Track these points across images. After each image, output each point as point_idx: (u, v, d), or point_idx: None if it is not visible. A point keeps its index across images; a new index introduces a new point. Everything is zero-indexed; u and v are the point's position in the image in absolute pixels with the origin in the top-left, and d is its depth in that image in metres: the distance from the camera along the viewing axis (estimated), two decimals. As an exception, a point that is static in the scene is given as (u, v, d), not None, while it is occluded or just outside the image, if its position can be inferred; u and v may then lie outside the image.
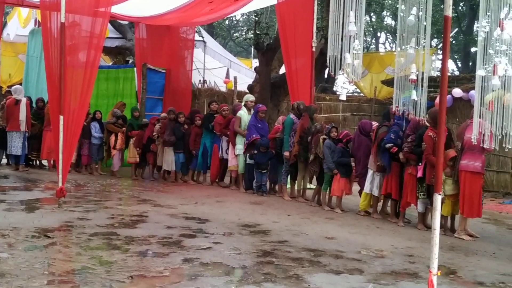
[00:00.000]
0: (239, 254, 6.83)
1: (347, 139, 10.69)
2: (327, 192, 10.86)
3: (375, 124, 10.59)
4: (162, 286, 5.44)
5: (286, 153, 11.54)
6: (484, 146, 7.97)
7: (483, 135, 7.04)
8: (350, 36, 8.48)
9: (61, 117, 9.45)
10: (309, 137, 11.11)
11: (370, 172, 10.18)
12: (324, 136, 10.83)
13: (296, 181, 11.92)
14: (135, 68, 17.07)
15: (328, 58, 9.08)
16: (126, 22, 19.87)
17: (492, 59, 6.25)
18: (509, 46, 6.38)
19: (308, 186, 12.20)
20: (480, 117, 6.44)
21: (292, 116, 11.80)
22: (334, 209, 10.59)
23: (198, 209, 9.96)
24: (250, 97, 13.15)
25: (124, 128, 14.21)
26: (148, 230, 7.98)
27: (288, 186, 12.19)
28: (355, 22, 8.25)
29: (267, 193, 12.10)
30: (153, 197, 11.10)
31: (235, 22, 45.33)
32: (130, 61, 20.85)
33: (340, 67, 8.85)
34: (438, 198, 4.79)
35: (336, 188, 10.59)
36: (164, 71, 16.60)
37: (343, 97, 11.06)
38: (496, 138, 6.64)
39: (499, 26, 5.87)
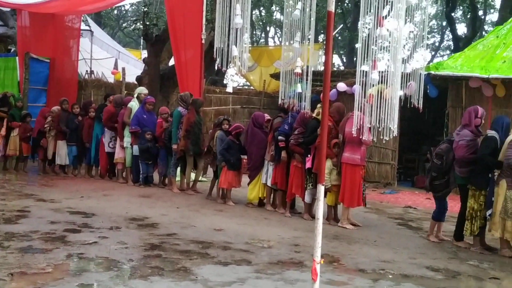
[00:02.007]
0: (126, 248, 6.71)
1: (237, 132, 10.72)
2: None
3: (267, 116, 10.73)
4: (44, 283, 5.23)
5: (174, 146, 11.46)
6: (363, 139, 8.28)
7: (362, 128, 7.31)
8: (236, 29, 8.53)
9: None
10: (196, 130, 11.08)
11: (265, 163, 10.31)
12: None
13: (186, 174, 11.86)
14: (17, 57, 16.34)
15: (215, 50, 9.09)
16: (8, 9, 18.91)
17: (375, 55, 6.49)
18: (390, 43, 6.66)
19: (201, 178, 12.20)
20: (360, 111, 6.67)
21: (180, 108, 11.71)
22: (226, 202, 10.64)
23: (84, 203, 9.68)
24: (143, 90, 12.93)
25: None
26: (30, 225, 7.65)
27: (178, 178, 12.12)
28: (241, 15, 8.30)
29: (152, 183, 12.00)
30: (36, 192, 10.67)
31: (124, 12, 44.42)
32: (12, 50, 19.90)
33: (227, 60, 8.89)
34: (321, 189, 4.91)
35: (223, 180, 10.63)
36: (48, 60, 16.02)
37: (229, 90, 11.13)
38: (375, 131, 6.90)
39: (378, 23, 6.09)
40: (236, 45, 8.65)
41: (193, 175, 12.04)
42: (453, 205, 9.00)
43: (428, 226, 8.92)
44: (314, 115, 9.48)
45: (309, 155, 9.37)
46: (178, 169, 12.03)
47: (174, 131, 11.51)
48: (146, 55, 17.88)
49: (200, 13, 12.83)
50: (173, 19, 13.53)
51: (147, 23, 16.59)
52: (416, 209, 11.99)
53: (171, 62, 17.31)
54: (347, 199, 9.03)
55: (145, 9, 17.19)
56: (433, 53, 44.80)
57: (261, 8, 39.21)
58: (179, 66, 13.59)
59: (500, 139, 7.79)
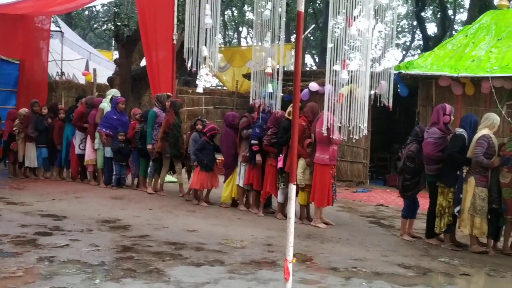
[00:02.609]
0: (97, 251, 6.66)
1: (211, 133, 10.67)
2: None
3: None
4: (15, 287, 5.18)
5: (149, 146, 11.36)
6: (332, 138, 8.34)
7: (332, 127, 7.36)
8: (206, 29, 8.51)
9: None
10: (178, 133, 11.02)
11: (239, 163, 10.30)
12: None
13: (160, 176, 11.77)
14: (-15, 59, 16.08)
15: (185, 50, 9.06)
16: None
17: (345, 55, 6.54)
18: (362, 42, 6.72)
19: (172, 179, 12.15)
20: (330, 110, 6.72)
21: (155, 109, 11.63)
22: (199, 203, 10.61)
23: (55, 206, 9.59)
24: (117, 93, 12.82)
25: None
26: (0, 229, 7.54)
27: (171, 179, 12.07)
28: (211, 15, 8.28)
29: (125, 184, 11.97)
30: (6, 195, 10.52)
31: (95, 12, 44.01)
32: (-19, 52, 19.58)
33: (198, 60, 8.87)
34: (292, 188, 4.94)
35: (195, 181, 10.59)
36: (17, 62, 15.80)
37: (200, 90, 11.09)
38: (345, 130, 6.96)
39: (348, 23, 6.15)
40: (206, 46, 8.63)
41: (170, 177, 12.01)
42: (425, 202, 9.10)
43: (400, 224, 9.01)
44: (286, 114, 9.51)
45: (280, 155, 9.40)
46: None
47: (149, 132, 11.40)
48: (117, 56, 17.74)
49: (172, 13, 12.78)
50: (144, 19, 13.46)
51: (118, 23, 16.47)
52: (388, 207, 12.09)
53: (143, 62, 17.17)
54: (317, 199, 9.11)
55: (116, 9, 17.06)
56: (404, 52, 45.22)
57: (233, 9, 39.22)
58: (150, 67, 13.51)
59: (468, 137, 7.92)
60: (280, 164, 9.40)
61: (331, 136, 8.03)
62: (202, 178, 10.51)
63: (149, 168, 11.79)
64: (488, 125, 7.83)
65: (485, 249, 7.90)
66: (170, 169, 11.68)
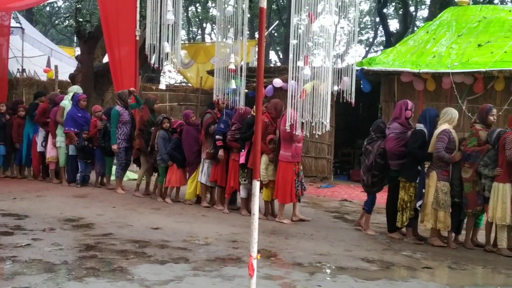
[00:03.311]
0: (60, 250, 6.58)
1: (182, 129, 10.61)
2: (163, 184, 10.75)
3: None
4: (-25, 288, 5.09)
5: (114, 146, 11.15)
6: (294, 135, 8.39)
7: (295, 124, 7.39)
8: (168, 25, 8.44)
9: None
10: (149, 130, 10.91)
11: (202, 160, 10.26)
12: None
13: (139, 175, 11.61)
14: None
15: (146, 46, 8.99)
16: None
17: (310, 51, 6.57)
18: (326, 39, 6.76)
19: (132, 177, 12.04)
20: (293, 107, 6.74)
21: (118, 107, 11.42)
22: (165, 200, 10.56)
23: (16, 205, 9.43)
24: (78, 89, 12.62)
25: None
26: (-41, 229, 7.42)
27: (113, 178, 11.91)
28: (173, 11, 8.21)
29: (88, 182, 11.88)
30: (-35, 195, 10.33)
31: (57, 8, 43.31)
32: None
33: (160, 56, 8.80)
34: (256, 184, 4.93)
35: (172, 179, 10.53)
36: (-24, 59, 15.44)
37: (162, 86, 11.02)
38: (309, 126, 6.99)
39: (309, 19, 6.17)
40: (168, 42, 8.56)
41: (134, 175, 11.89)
42: (383, 196, 9.21)
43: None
44: (252, 111, 9.52)
45: (243, 150, 9.42)
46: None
47: (113, 131, 11.17)
48: (79, 53, 17.50)
49: (134, 9, 12.65)
50: (106, 15, 13.31)
51: (80, 20, 16.22)
52: (352, 202, 12.21)
53: (105, 59, 17.01)
54: (280, 195, 9.18)
55: (78, 5, 16.80)
56: (367, 48, 45.66)
57: (197, 5, 38.99)
58: (113, 63, 13.37)
59: (428, 131, 8.04)
60: (242, 160, 9.42)
61: (293, 133, 8.06)
62: (179, 176, 10.49)
63: (116, 168, 11.62)
64: (447, 120, 7.97)
65: (445, 242, 8.05)
66: (138, 166, 11.55)
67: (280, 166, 9.14)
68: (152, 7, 8.85)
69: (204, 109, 10.48)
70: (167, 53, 8.61)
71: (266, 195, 9.45)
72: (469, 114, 12.91)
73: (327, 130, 7.06)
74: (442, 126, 7.87)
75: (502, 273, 6.80)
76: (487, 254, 7.70)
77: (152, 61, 9.16)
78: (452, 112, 8.08)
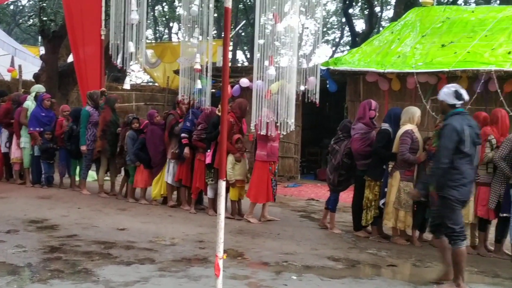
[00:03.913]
0: (24, 252, 6.49)
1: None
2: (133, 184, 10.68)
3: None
4: None
5: (83, 148, 10.99)
6: (269, 134, 8.41)
7: (260, 123, 7.42)
8: (132, 24, 8.38)
9: None
10: (116, 130, 10.79)
11: (167, 160, 10.21)
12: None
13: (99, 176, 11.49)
14: None
15: (110, 46, 8.91)
16: None
17: (277, 51, 6.60)
18: (291, 39, 6.80)
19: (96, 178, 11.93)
20: (258, 107, 6.78)
21: (88, 107, 11.26)
22: (139, 201, 10.50)
23: (-22, 207, 9.27)
24: (41, 89, 12.44)
25: None
26: None
27: (89, 179, 11.79)
28: (137, 11, 8.15)
29: (52, 183, 11.74)
30: None
31: (21, 7, 42.65)
32: None
33: (124, 56, 8.73)
34: (222, 184, 4.94)
35: (139, 180, 10.47)
36: None
37: (127, 86, 10.94)
38: (281, 126, 7.03)
39: (274, 19, 6.21)
40: (133, 41, 8.50)
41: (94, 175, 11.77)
42: (349, 194, 9.28)
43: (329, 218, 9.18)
44: (217, 111, 9.51)
45: (209, 150, 9.41)
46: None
47: (83, 132, 11.02)
48: (43, 52, 17.28)
49: (99, 8, 12.49)
50: (71, 14, 13.15)
51: (44, 18, 16.00)
52: (318, 201, 12.29)
53: (70, 58, 16.80)
54: (253, 194, 9.22)
55: (43, 4, 16.57)
56: (334, 48, 45.93)
57: (164, 4, 38.77)
58: (78, 63, 13.22)
59: (393, 130, 8.13)
60: (208, 160, 9.41)
61: (261, 133, 8.08)
62: (146, 176, 10.44)
63: (83, 169, 11.48)
64: (408, 119, 8.03)
65: (407, 241, 8.16)
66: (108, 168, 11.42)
67: (255, 165, 9.24)
68: (116, 6, 8.76)
69: (170, 109, 10.39)
70: (131, 53, 8.55)
71: (233, 194, 9.46)
72: (433, 114, 13.09)
73: (292, 129, 7.11)
74: (405, 127, 7.91)
75: (466, 270, 6.85)
76: (451, 252, 7.82)
77: (118, 61, 9.09)
78: (412, 111, 8.14)
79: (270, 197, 9.26)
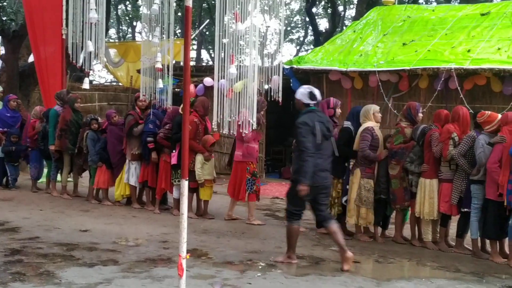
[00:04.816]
0: (-16, 256, 6.39)
1: None
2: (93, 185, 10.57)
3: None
4: None
5: (52, 147, 10.83)
6: (244, 136, 8.46)
7: (243, 124, 7.45)
8: (91, 23, 8.30)
9: None
10: (74, 129, 10.65)
11: (127, 161, 10.14)
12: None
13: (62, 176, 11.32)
14: None
15: (69, 46, 8.82)
16: None
17: (240, 50, 6.62)
18: (255, 37, 6.82)
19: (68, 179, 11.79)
20: (220, 106, 6.80)
21: (56, 107, 11.12)
22: (102, 202, 10.41)
23: None
24: None
25: None
26: None
27: (41, 180, 11.61)
28: (96, 9, 8.07)
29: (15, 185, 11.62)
30: None
31: (-20, 6, 41.85)
32: None
33: (82, 55, 8.65)
34: (185, 184, 4.93)
35: (101, 180, 10.38)
36: None
37: (86, 86, 10.84)
38: (234, 125, 7.05)
39: (235, 18, 6.22)
40: (92, 41, 8.42)
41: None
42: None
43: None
44: (180, 110, 9.48)
45: (174, 151, 9.38)
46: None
47: (51, 132, 10.87)
48: (3, 52, 16.99)
49: (60, 7, 12.30)
50: (31, 13, 12.97)
51: (4, 18, 15.72)
52: (283, 199, 12.29)
53: (31, 58, 16.57)
54: (231, 193, 9.41)
55: (3, 3, 16.26)
56: (298, 47, 46.15)
57: (127, 3, 38.53)
58: (38, 63, 13.04)
59: (355, 128, 8.22)
60: (174, 161, 9.36)
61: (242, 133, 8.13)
62: (108, 176, 10.37)
63: (52, 170, 11.30)
64: (366, 116, 8.14)
65: (370, 238, 8.27)
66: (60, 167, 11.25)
67: (234, 165, 9.43)
68: (74, 6, 8.66)
69: (130, 109, 10.31)
70: (90, 52, 8.46)
71: (203, 194, 9.48)
72: (395, 112, 13.25)
73: (254, 128, 7.13)
74: (365, 124, 8.03)
75: (427, 265, 7.03)
76: (413, 248, 7.95)
77: (80, 61, 8.99)
78: (369, 108, 8.24)
79: (242, 196, 9.29)
